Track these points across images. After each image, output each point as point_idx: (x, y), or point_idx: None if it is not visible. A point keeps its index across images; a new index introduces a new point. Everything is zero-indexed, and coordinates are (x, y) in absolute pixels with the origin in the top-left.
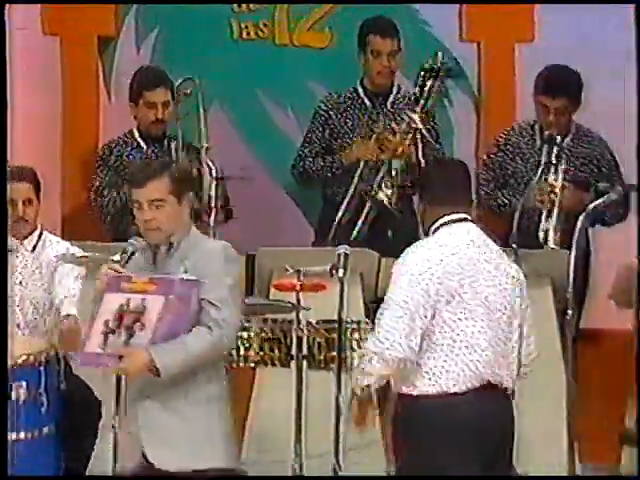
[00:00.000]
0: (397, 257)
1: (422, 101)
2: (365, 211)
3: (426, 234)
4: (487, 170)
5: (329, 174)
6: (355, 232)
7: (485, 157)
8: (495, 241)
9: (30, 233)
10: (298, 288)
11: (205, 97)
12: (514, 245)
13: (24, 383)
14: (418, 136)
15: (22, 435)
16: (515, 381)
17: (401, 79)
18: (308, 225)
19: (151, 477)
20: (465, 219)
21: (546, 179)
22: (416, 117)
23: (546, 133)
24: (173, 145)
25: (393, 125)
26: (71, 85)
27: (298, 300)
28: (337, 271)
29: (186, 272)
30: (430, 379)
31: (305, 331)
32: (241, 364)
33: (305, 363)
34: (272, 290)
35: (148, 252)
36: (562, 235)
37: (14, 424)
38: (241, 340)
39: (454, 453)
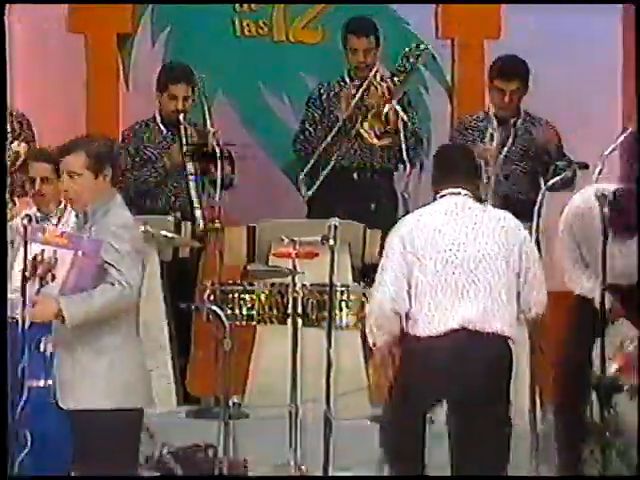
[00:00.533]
0: (379, 228)
1: (400, 77)
2: (324, 172)
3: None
4: None
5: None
6: (310, 192)
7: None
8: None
9: (58, 206)
10: (294, 256)
11: (211, 87)
12: None
13: (50, 337)
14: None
15: (50, 382)
16: (510, 325)
17: (384, 71)
18: (302, 200)
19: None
20: (456, 193)
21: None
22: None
23: (501, 114)
24: (188, 129)
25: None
26: (94, 77)
27: (294, 266)
28: (328, 240)
29: (90, 236)
30: (412, 324)
31: (300, 293)
32: (245, 322)
33: (300, 321)
34: (271, 257)
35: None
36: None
37: (44, 373)
38: (244, 301)
39: (430, 386)
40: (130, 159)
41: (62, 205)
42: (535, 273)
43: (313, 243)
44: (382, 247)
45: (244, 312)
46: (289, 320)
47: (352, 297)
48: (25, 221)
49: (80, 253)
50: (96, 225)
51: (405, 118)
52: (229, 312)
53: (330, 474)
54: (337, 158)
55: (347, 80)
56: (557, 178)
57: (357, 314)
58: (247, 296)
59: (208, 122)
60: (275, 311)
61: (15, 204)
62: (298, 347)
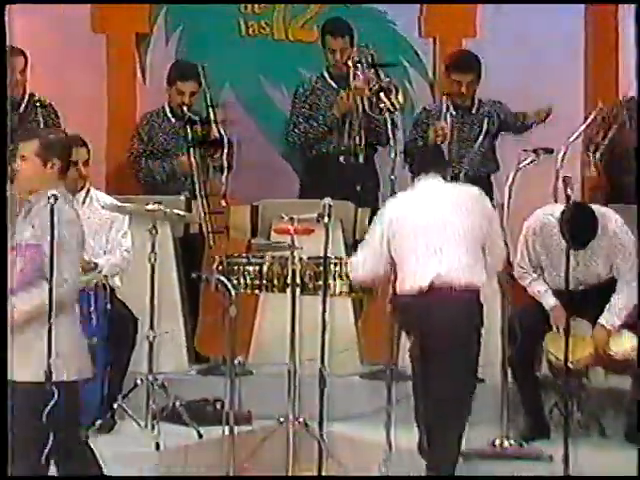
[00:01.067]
0: (364, 206)
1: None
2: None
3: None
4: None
5: (311, 138)
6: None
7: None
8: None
9: (81, 189)
10: (292, 232)
11: (218, 80)
12: None
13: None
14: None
15: None
16: (479, 279)
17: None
18: (299, 182)
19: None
20: (431, 177)
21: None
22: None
23: (458, 102)
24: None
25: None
26: (114, 72)
27: (292, 241)
28: (323, 218)
29: (33, 227)
30: (398, 284)
31: (298, 265)
32: (249, 291)
33: (298, 289)
34: (272, 233)
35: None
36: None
37: None
38: (248, 272)
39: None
40: (142, 144)
41: (86, 188)
42: (497, 231)
43: (309, 220)
44: (370, 224)
45: (248, 282)
46: (288, 289)
47: (344, 268)
48: (52, 200)
49: (21, 258)
50: (38, 218)
51: (394, 100)
52: (235, 282)
53: (324, 425)
54: (326, 145)
55: (326, 76)
56: (527, 161)
57: (349, 283)
58: (251, 267)
59: (211, 113)
60: (276, 281)
61: None
62: (296, 312)
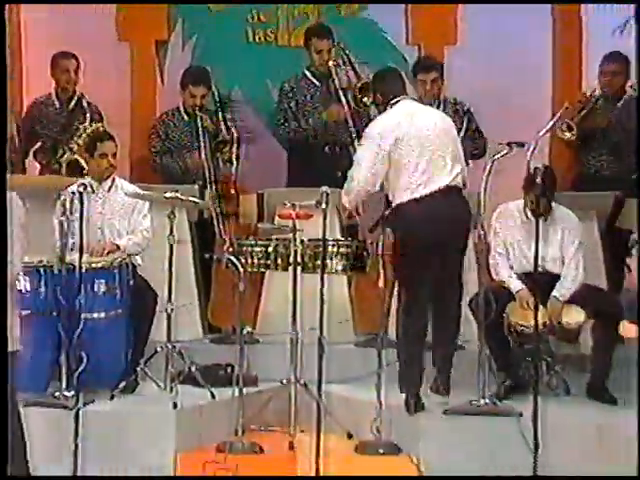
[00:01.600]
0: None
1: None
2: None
3: (383, 111)
4: None
5: (294, 136)
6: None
7: None
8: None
9: (107, 178)
10: (294, 217)
11: (228, 82)
12: None
13: (103, 280)
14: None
15: (103, 315)
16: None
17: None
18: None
19: (152, 478)
20: (407, 98)
21: None
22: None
23: (425, 101)
24: (204, 118)
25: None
26: (137, 75)
27: (294, 225)
28: (321, 205)
29: None
30: (403, 191)
31: (299, 246)
32: (255, 269)
33: (299, 268)
34: (276, 218)
35: None
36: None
37: (97, 307)
38: (255, 252)
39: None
40: (160, 141)
41: (112, 176)
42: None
43: (309, 207)
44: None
45: (255, 261)
46: (291, 267)
47: (340, 249)
48: (81, 188)
49: None
50: None
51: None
52: (243, 261)
53: (323, 387)
54: (312, 136)
55: (308, 74)
56: (501, 154)
57: (344, 262)
58: (257, 248)
59: (220, 114)
60: (280, 260)
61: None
62: (297, 288)
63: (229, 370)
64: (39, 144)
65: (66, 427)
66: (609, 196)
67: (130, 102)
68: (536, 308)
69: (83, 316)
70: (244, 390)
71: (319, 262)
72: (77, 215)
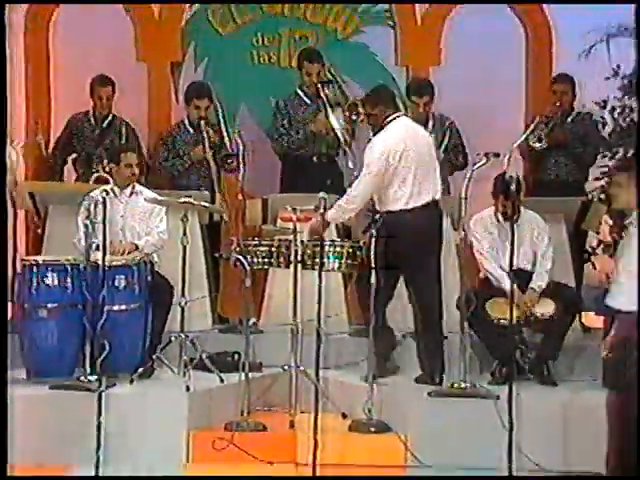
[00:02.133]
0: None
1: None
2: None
3: (380, 129)
4: None
5: (288, 148)
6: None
7: None
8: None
9: (129, 185)
10: (295, 220)
11: (235, 99)
12: None
13: (123, 277)
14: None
15: (123, 307)
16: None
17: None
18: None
19: (153, 478)
20: (399, 116)
21: None
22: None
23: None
24: (208, 130)
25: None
26: (154, 93)
27: (295, 227)
28: (319, 209)
29: None
30: (395, 201)
31: (300, 246)
32: (260, 266)
33: (300, 266)
34: (279, 221)
35: None
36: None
37: (118, 301)
38: (260, 252)
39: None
40: (167, 151)
41: (133, 184)
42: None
43: (308, 211)
44: None
45: (260, 259)
46: (292, 265)
47: (337, 249)
48: (104, 194)
49: None
50: None
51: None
52: (249, 259)
53: (320, 372)
54: (302, 148)
55: (300, 94)
56: (480, 163)
57: (340, 261)
58: (262, 248)
59: (222, 125)
60: (282, 259)
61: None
62: (298, 284)
63: (236, 357)
64: (74, 155)
65: (90, 408)
66: (576, 201)
67: (147, 117)
68: (511, 301)
69: (106, 309)
70: (249, 375)
71: (317, 260)
72: (100, 218)
